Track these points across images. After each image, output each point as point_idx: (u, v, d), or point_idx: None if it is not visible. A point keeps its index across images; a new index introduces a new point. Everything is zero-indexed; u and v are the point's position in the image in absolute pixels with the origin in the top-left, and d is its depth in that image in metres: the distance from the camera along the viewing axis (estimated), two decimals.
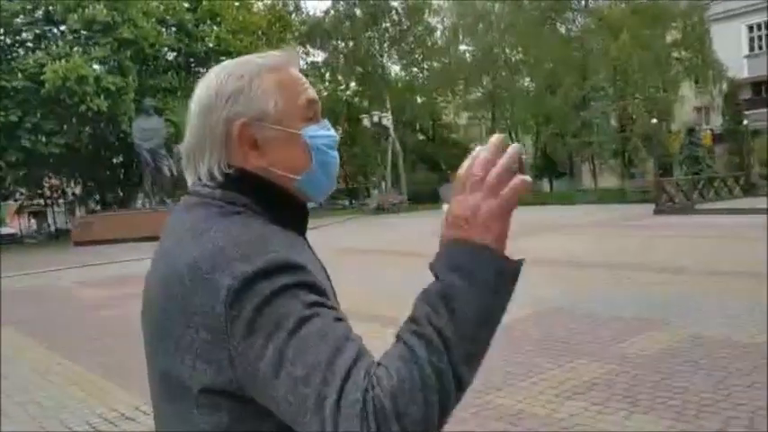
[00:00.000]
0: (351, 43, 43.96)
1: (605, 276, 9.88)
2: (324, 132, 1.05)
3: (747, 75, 41.94)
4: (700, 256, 11.31)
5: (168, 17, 26.59)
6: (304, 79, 1.06)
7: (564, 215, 24.12)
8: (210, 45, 27.00)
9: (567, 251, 13.30)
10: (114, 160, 29.07)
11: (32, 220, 50.20)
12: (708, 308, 7.21)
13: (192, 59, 28.48)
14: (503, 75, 47.26)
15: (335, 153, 1.07)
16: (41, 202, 36.96)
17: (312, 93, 1.05)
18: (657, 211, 21.45)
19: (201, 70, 29.47)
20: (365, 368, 0.81)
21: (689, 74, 38.59)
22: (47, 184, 35.07)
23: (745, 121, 29.98)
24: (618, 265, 10.84)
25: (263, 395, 0.85)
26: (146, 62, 26.95)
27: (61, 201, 37.28)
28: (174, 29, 27.61)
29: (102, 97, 23.91)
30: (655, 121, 27.31)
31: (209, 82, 1.02)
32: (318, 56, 45.87)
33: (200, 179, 1.01)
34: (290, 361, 0.81)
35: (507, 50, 46.60)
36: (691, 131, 27.71)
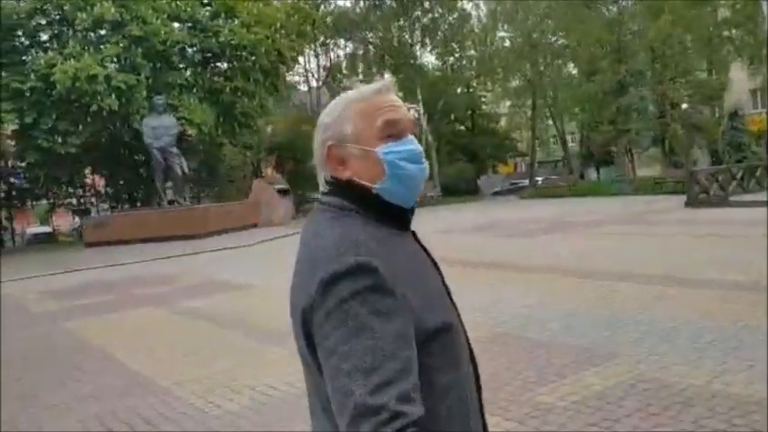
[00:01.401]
0: (380, 34, 42.92)
1: (590, 289, 8.63)
2: (400, 148, 1.24)
3: None
4: (706, 261, 9.93)
5: (181, 13, 26.00)
6: (390, 103, 1.26)
7: (591, 208, 22.62)
8: (225, 40, 26.27)
9: (560, 255, 11.99)
10: (136, 158, 28.79)
11: (76, 219, 51.12)
12: (695, 336, 5.95)
13: (208, 55, 27.89)
14: (544, 61, 45.61)
15: (413, 165, 1.25)
16: (73, 201, 37.20)
17: (391, 115, 1.25)
18: (689, 204, 19.76)
19: (219, 65, 29.01)
20: (389, 396, 1.04)
21: (740, 54, 36.20)
22: (80, 183, 35.28)
23: None
24: (613, 274, 9.53)
25: (321, 362, 1.12)
26: (159, 59, 26.49)
27: (94, 199, 37.48)
28: (187, 25, 27.07)
29: (113, 96, 23.57)
30: (686, 106, 25.26)
31: (321, 114, 1.31)
32: (348, 47, 45.05)
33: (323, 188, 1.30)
34: (339, 354, 1.07)
35: (548, 35, 44.81)
36: (733, 115, 25.49)
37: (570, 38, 40.77)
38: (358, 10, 43.48)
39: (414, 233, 1.31)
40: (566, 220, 19.02)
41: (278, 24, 28.54)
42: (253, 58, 27.36)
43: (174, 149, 24.64)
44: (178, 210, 24.39)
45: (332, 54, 44.89)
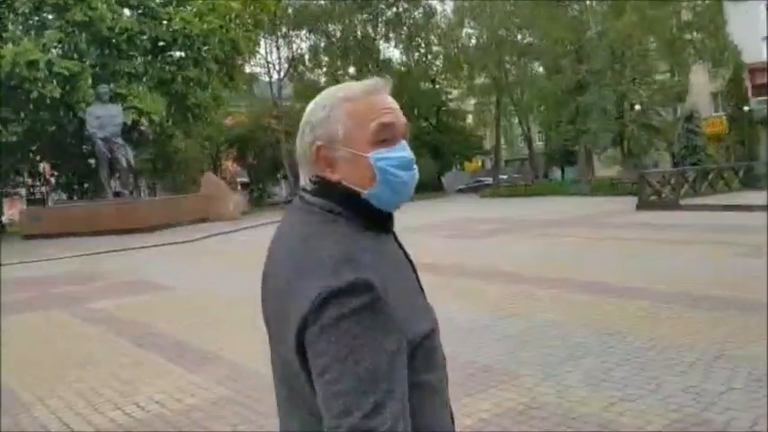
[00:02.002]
0: (341, 27, 42.30)
1: (511, 296, 8.21)
2: (393, 154, 1.20)
3: (766, 58, 39.55)
4: (639, 268, 9.59)
5: None
6: (384, 105, 1.21)
7: (545, 209, 22.39)
8: (177, 28, 25.41)
9: (494, 259, 11.59)
10: (84, 148, 27.78)
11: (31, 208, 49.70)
12: (604, 353, 5.53)
13: (160, 43, 26.93)
14: (510, 59, 45.43)
15: (404, 172, 1.21)
16: (21, 191, 36.01)
17: (385, 119, 1.20)
18: (640, 206, 19.56)
19: (171, 54, 28.12)
20: (383, 418, 1.05)
21: (701, 57, 36.32)
22: (30, 172, 34.16)
23: (746, 108, 27.73)
24: (539, 279, 9.13)
25: (313, 380, 1.10)
26: (107, 46, 25.54)
27: (44, 189, 36.34)
28: (137, 11, 26.11)
29: (54, 83, 22.61)
30: (638, 107, 25.00)
31: (307, 109, 1.25)
32: (311, 40, 44.29)
33: (305, 185, 1.25)
34: (335, 373, 1.06)
35: (514, 33, 44.61)
36: (689, 118, 25.39)
37: (534, 36, 40.70)
38: (322, 2, 42.72)
39: (394, 234, 1.30)
40: (514, 222, 18.70)
41: (233, 14, 27.76)
42: (206, 47, 26.55)
43: (119, 140, 23.76)
44: (120, 202, 23.51)
45: (294, 46, 44.08)
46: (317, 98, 1.26)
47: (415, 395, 1.14)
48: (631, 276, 8.88)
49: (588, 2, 36.68)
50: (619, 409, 4.24)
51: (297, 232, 1.20)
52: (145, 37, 26.10)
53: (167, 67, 27.10)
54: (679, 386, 4.54)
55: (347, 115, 1.20)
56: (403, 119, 1.23)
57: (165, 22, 25.74)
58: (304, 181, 1.26)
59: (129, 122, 25.63)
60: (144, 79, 26.48)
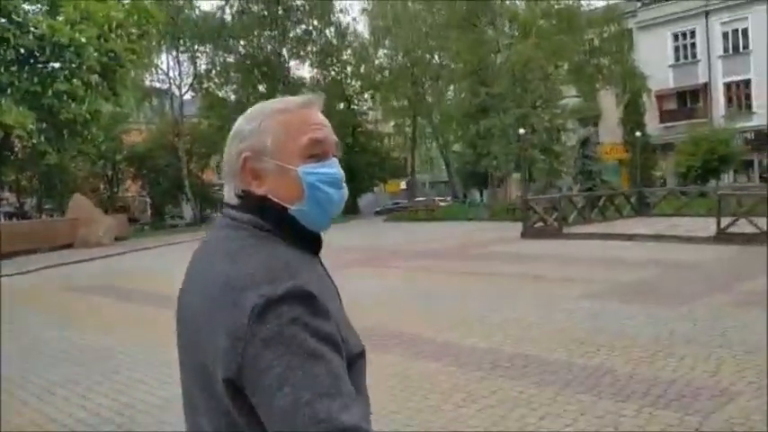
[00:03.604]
0: (242, 42, 40.80)
1: None
2: (323, 170, 1.15)
3: (673, 85, 40.15)
4: (461, 315, 8.37)
5: None
6: (316, 121, 1.18)
7: (431, 236, 21.32)
8: (43, 35, 23.26)
9: None
10: None
11: None
12: None
13: (29, 53, 24.62)
14: (425, 80, 44.87)
15: (334, 190, 1.16)
16: None
17: (319, 134, 1.16)
18: (525, 234, 18.63)
19: (41, 66, 25.89)
20: (357, 416, 0.98)
21: (608, 82, 36.43)
22: None
23: (638, 133, 27.54)
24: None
25: (259, 400, 0.99)
26: None
27: None
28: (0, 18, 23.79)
29: None
30: (523, 132, 24.29)
31: (237, 122, 1.20)
32: (218, 55, 42.46)
33: (229, 200, 1.19)
34: (294, 384, 0.96)
35: (431, 55, 44.09)
36: (584, 143, 24.87)
37: (448, 58, 40.18)
38: (228, 17, 41.08)
39: (319, 258, 1.23)
40: (382, 251, 17.48)
41: (113, 23, 25.78)
42: (78, 58, 24.48)
43: None
44: None
45: (198, 61, 42.18)
46: (248, 111, 1.21)
47: None
48: (439, 324, 7.62)
49: (500, 26, 36.37)
50: None
51: (223, 248, 1.12)
52: (7, 45, 23.79)
53: (36, 78, 24.84)
54: None
55: (278, 127, 1.16)
56: (334, 136, 1.20)
57: (32, 29, 23.53)
58: (228, 195, 1.20)
59: None
60: (9, 91, 24.13)
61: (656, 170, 32.05)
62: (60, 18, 24.21)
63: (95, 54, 25.18)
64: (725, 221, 14.61)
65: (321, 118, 1.19)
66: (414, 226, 28.01)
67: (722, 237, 14.34)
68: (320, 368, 0.98)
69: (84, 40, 24.36)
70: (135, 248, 22.12)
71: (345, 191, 1.20)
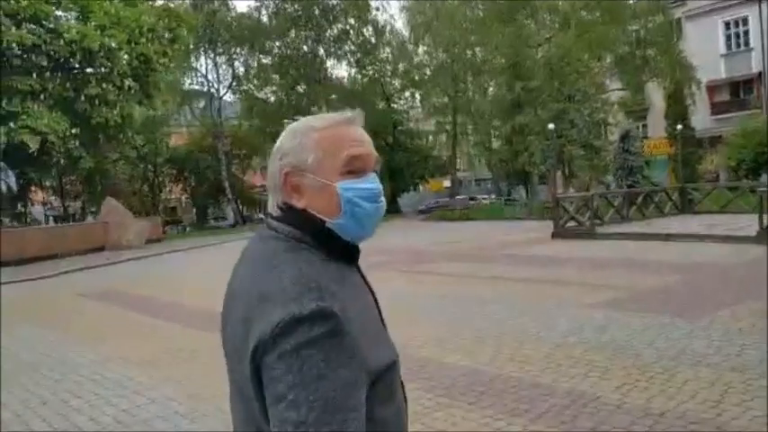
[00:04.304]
0: (278, 43, 40.66)
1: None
2: (361, 186, 1.20)
3: (724, 75, 38.35)
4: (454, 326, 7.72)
5: (21, 10, 22.93)
6: (356, 137, 1.22)
7: (462, 236, 20.58)
8: (74, 40, 23.42)
9: None
10: None
11: None
12: None
13: (60, 59, 24.85)
14: (465, 75, 43.92)
15: (370, 204, 1.20)
16: None
17: (357, 150, 1.20)
18: (555, 235, 17.71)
19: (73, 72, 26.15)
20: None
21: (655, 74, 34.92)
22: None
23: (679, 126, 26.09)
24: None
25: (268, 406, 1.07)
26: None
27: None
28: (28, 24, 23.99)
29: None
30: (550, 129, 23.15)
31: (281, 136, 1.26)
32: (255, 57, 42.48)
33: (272, 211, 1.25)
34: (291, 401, 1.02)
35: (472, 50, 43.14)
36: (624, 137, 23.61)
37: (488, 53, 39.18)
38: (264, 18, 41.04)
39: (358, 266, 1.28)
40: (405, 253, 16.84)
41: (144, 28, 25.87)
42: (109, 63, 24.61)
43: None
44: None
45: (236, 63, 42.28)
46: (292, 125, 1.26)
47: (369, 427, 1.10)
48: (425, 335, 7.00)
49: (540, 19, 35.23)
50: None
51: (261, 258, 1.19)
52: (39, 51, 24.06)
53: (68, 84, 25.09)
54: None
55: (318, 144, 1.20)
56: (374, 152, 1.24)
57: (60, 35, 23.71)
58: (272, 207, 1.25)
59: (31, 144, 23.54)
60: (42, 97, 24.43)
61: (701, 165, 30.44)
62: (91, 24, 24.35)
63: (126, 58, 25.30)
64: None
65: (361, 134, 1.23)
66: (446, 225, 27.33)
67: (764, 236, 13.25)
68: (320, 394, 1.02)
69: (114, 45, 24.54)
70: (161, 252, 22.04)
71: (383, 203, 1.23)
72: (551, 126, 23.81)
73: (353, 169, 1.19)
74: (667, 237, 15.12)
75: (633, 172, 22.84)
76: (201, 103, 42.63)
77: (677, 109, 30.10)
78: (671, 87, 31.34)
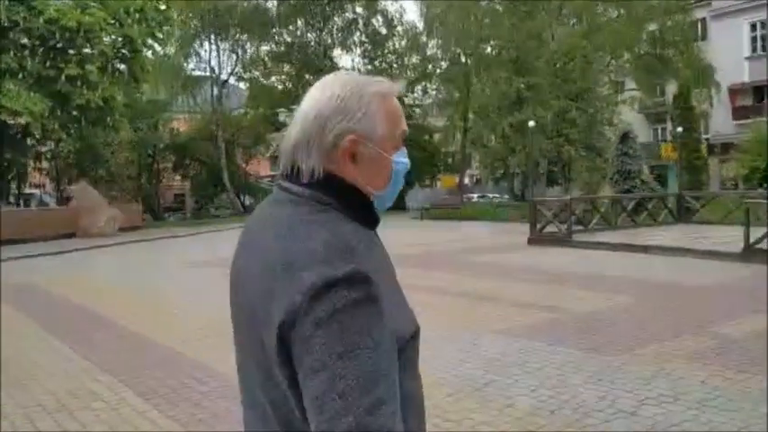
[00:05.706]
0: (284, 31, 39.71)
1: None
2: (403, 160, 1.18)
3: (748, 79, 36.58)
4: None
5: None
6: (401, 110, 1.18)
7: (439, 238, 19.40)
8: (52, 18, 22.57)
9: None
10: None
11: None
12: None
13: (39, 37, 23.98)
14: (477, 69, 42.51)
15: (403, 179, 1.19)
16: None
17: (405, 124, 1.19)
18: (531, 241, 16.43)
19: (53, 50, 25.31)
20: (385, 416, 0.95)
21: (673, 75, 33.26)
22: None
23: (679, 128, 24.49)
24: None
25: (300, 377, 0.98)
26: None
27: None
28: (10, 0, 23.16)
29: None
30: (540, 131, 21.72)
31: (333, 91, 1.11)
32: (260, 44, 41.60)
33: (291, 173, 1.13)
34: (333, 370, 0.95)
35: (484, 44, 41.69)
36: (624, 139, 22.05)
37: (499, 47, 37.78)
38: (270, 6, 40.10)
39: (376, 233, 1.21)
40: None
41: (130, 8, 25.00)
42: (88, 44, 23.75)
43: None
44: None
45: (240, 51, 41.38)
46: (344, 82, 1.13)
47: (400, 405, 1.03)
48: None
49: (553, 14, 33.74)
50: None
51: (280, 223, 1.09)
52: (18, 29, 23.27)
53: (48, 63, 24.28)
54: None
55: (387, 115, 1.14)
56: None
57: (38, 12, 22.88)
58: (299, 167, 1.12)
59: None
60: (21, 76, 23.65)
61: (707, 171, 28.81)
62: (69, 1, 23.51)
63: (109, 39, 24.45)
64: (756, 234, 12.08)
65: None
66: (432, 225, 26.24)
67: (750, 253, 11.87)
68: (362, 361, 0.96)
69: (95, 23, 23.61)
70: (124, 241, 21.15)
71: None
72: (532, 124, 22.42)
73: (401, 143, 1.17)
74: (646, 249, 13.78)
75: (631, 176, 21.39)
76: (204, 90, 41.79)
77: (684, 112, 28.44)
78: (683, 88, 29.67)
